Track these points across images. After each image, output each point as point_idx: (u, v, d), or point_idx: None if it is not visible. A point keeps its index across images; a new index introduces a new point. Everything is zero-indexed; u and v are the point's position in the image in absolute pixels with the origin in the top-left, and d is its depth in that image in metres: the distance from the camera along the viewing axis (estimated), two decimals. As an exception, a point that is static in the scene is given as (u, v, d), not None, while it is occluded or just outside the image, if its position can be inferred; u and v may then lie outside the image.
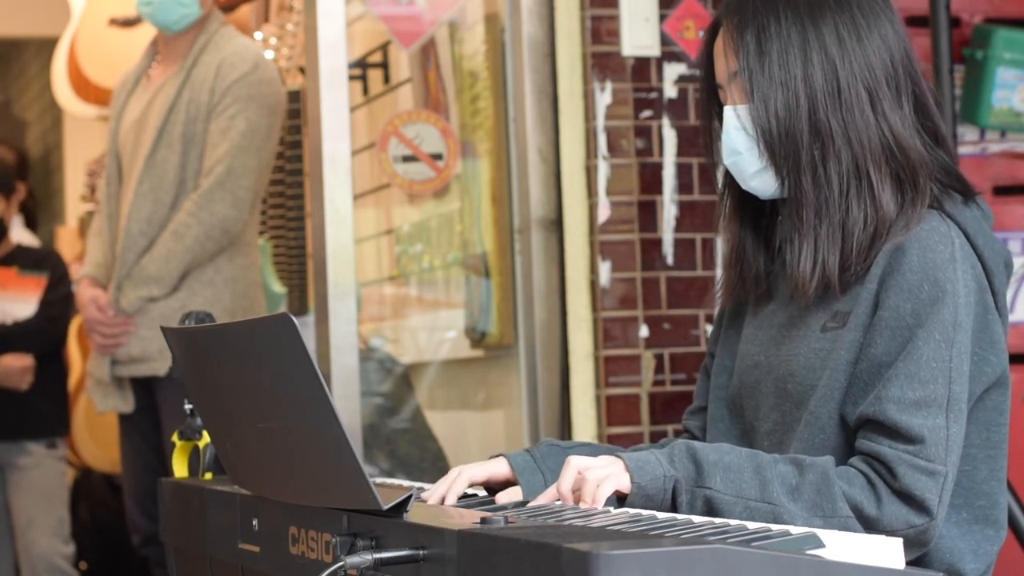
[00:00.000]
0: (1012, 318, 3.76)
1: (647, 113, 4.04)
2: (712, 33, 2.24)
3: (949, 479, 2.01)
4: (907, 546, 1.99)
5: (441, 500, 2.07)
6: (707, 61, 2.26)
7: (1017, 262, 3.58)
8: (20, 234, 6.12)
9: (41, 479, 5.61)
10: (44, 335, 5.57)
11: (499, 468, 2.14)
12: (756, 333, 2.25)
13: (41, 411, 5.58)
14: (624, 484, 1.95)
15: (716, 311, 2.41)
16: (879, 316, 2.07)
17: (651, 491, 1.96)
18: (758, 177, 2.19)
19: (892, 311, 2.06)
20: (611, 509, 1.90)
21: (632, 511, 1.89)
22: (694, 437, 2.36)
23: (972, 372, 2.08)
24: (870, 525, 1.99)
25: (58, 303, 5.62)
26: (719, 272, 3.88)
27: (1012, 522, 3.27)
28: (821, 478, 1.99)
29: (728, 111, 2.19)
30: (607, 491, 1.94)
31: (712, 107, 2.29)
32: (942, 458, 2.00)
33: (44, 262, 5.70)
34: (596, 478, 1.95)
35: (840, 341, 2.09)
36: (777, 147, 2.15)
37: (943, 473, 2.00)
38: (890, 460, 2.00)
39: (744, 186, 2.22)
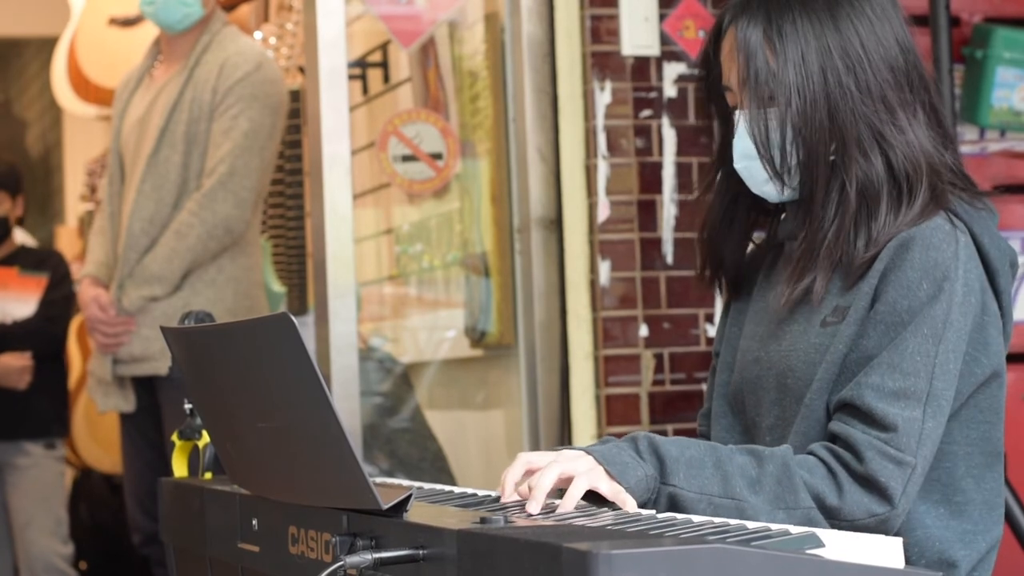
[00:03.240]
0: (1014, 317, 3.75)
1: (647, 112, 4.04)
2: (717, 33, 2.22)
3: (918, 472, 2.01)
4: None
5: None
6: (711, 60, 2.24)
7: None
8: (23, 235, 6.13)
9: (39, 479, 5.61)
10: (43, 335, 5.57)
11: None
12: (756, 329, 2.25)
13: (40, 411, 5.58)
14: (606, 489, 1.93)
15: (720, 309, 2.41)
16: (875, 310, 2.07)
17: (637, 492, 1.94)
18: (771, 182, 2.17)
19: (888, 306, 2.06)
20: (607, 509, 1.90)
21: (632, 511, 1.89)
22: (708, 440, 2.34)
23: (962, 371, 2.07)
24: (831, 515, 1.99)
25: (58, 303, 5.63)
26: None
27: (1012, 522, 3.27)
28: (781, 469, 1.98)
29: (741, 115, 2.17)
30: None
31: (712, 106, 2.27)
32: (912, 450, 2.00)
33: (46, 263, 5.70)
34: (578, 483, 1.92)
35: (838, 336, 2.09)
36: (793, 151, 2.14)
37: (911, 464, 2.00)
38: (859, 444, 2.00)
39: (756, 190, 2.20)
